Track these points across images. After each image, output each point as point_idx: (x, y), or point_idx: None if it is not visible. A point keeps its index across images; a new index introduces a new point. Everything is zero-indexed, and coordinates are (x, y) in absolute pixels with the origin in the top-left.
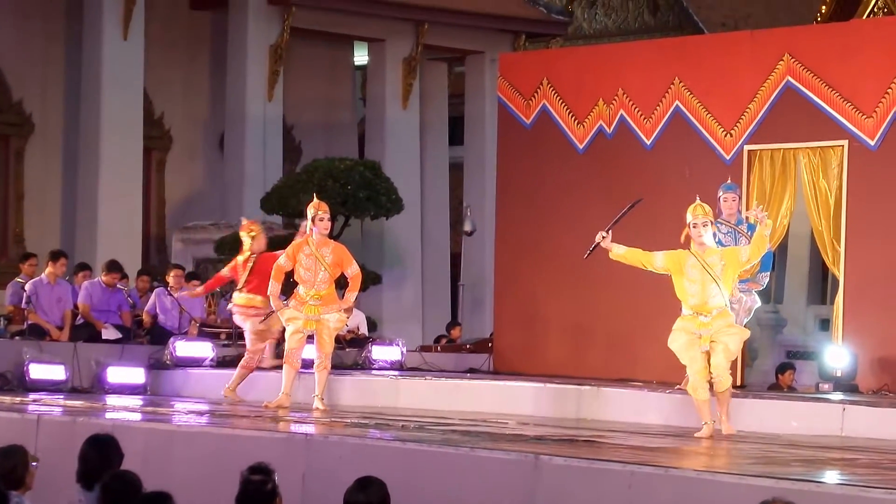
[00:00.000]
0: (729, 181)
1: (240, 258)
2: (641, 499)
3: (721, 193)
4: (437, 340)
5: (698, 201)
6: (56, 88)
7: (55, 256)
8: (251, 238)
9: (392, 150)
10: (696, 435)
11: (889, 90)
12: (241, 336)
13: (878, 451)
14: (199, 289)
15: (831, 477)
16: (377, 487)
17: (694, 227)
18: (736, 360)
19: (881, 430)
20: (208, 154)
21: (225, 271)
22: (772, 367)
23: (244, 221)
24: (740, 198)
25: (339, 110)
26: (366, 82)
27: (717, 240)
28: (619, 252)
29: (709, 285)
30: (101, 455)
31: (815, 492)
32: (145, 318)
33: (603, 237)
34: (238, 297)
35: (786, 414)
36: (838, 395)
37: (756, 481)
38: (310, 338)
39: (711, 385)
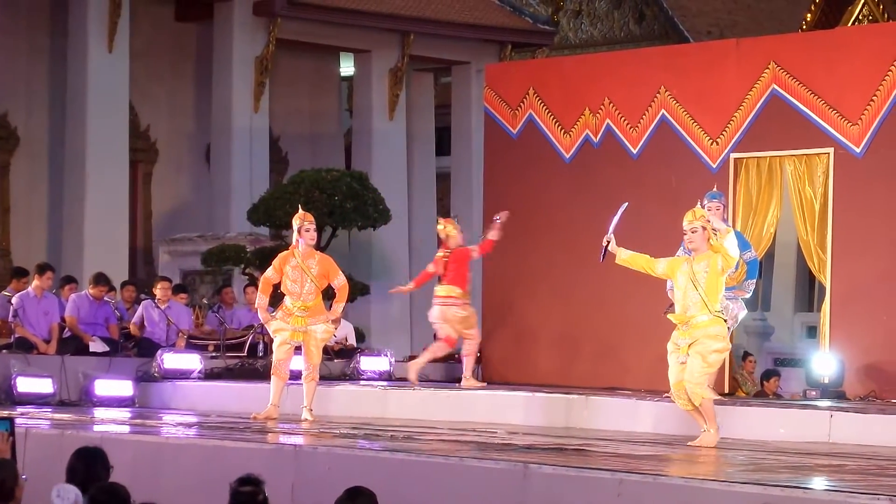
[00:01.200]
0: (714, 190)
1: (439, 253)
2: None
3: (706, 202)
4: None
5: (697, 207)
6: (41, 102)
7: (41, 270)
8: (446, 234)
9: (379, 160)
10: (689, 444)
11: (874, 98)
12: (229, 347)
13: (866, 457)
14: (410, 284)
15: (819, 483)
16: (366, 498)
17: (684, 233)
18: (724, 367)
19: (868, 437)
20: (195, 166)
21: (430, 267)
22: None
23: (440, 219)
24: (725, 206)
25: (325, 121)
26: (352, 93)
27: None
28: (624, 257)
29: (691, 293)
30: (88, 467)
31: (803, 498)
32: (133, 328)
33: (608, 241)
34: (439, 289)
35: (773, 421)
36: (825, 402)
37: (744, 488)
38: (297, 349)
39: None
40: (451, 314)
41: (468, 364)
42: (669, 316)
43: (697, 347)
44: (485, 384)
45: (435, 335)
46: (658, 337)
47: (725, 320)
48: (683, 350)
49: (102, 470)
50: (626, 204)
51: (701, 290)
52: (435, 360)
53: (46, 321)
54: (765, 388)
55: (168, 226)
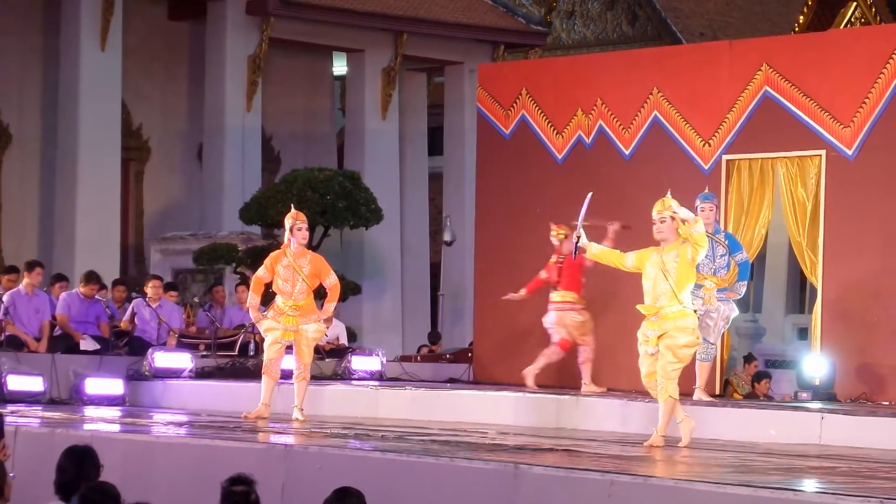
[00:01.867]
0: (706, 191)
1: (552, 259)
2: None
3: (698, 203)
4: (420, 350)
5: (666, 197)
6: (34, 99)
7: (30, 266)
8: (559, 240)
9: (371, 160)
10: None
11: (866, 100)
12: (220, 346)
13: (856, 459)
14: (523, 291)
15: (809, 485)
16: (354, 498)
17: (653, 223)
18: (714, 368)
19: (859, 439)
20: (187, 165)
21: (542, 273)
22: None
23: (553, 225)
24: (718, 208)
25: (318, 121)
26: (345, 93)
27: None
28: (594, 251)
29: (660, 283)
30: (78, 466)
31: (793, 500)
32: (124, 324)
33: (578, 236)
34: (554, 295)
35: (764, 422)
36: (816, 404)
37: (734, 490)
38: (289, 348)
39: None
40: (568, 319)
41: (586, 371)
42: (639, 307)
43: (667, 341)
44: (605, 389)
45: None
46: None
47: (696, 311)
48: (653, 341)
49: (92, 469)
50: (591, 194)
51: (671, 279)
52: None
53: (37, 319)
54: (756, 389)
55: (160, 224)
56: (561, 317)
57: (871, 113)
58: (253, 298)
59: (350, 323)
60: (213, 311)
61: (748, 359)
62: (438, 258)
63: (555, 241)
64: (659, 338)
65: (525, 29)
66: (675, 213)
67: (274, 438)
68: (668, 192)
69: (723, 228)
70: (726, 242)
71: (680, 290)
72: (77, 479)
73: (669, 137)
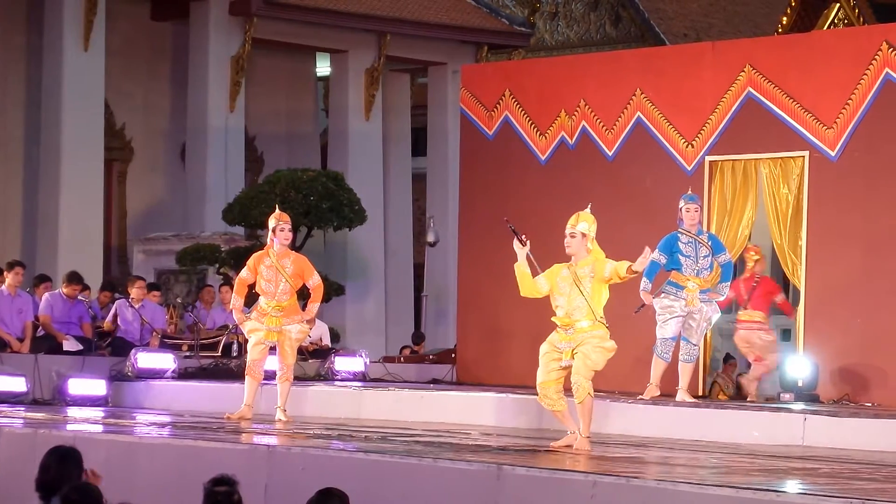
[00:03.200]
0: (690, 192)
1: (745, 275)
2: None
3: (682, 204)
4: (402, 351)
5: (585, 212)
6: (17, 100)
7: (10, 266)
8: (754, 261)
9: (355, 160)
10: (552, 445)
11: (849, 101)
12: (203, 347)
13: (839, 460)
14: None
15: (792, 487)
16: (338, 499)
17: (565, 236)
18: (697, 369)
19: (842, 440)
20: (170, 165)
21: (730, 293)
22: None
23: (749, 245)
24: (702, 208)
25: (301, 121)
26: (328, 93)
27: (677, 250)
28: (521, 261)
29: (576, 298)
30: (60, 466)
31: (776, 502)
32: (107, 325)
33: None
34: (742, 314)
35: (747, 423)
36: (799, 405)
37: (717, 491)
38: (272, 349)
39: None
40: (755, 338)
41: (753, 386)
42: (554, 319)
43: (583, 348)
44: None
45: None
46: (632, 338)
47: (607, 327)
48: (567, 355)
49: (75, 469)
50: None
51: (586, 294)
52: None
53: (20, 320)
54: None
55: (143, 225)
56: (748, 336)
57: (854, 114)
58: (236, 300)
59: (333, 324)
60: (197, 312)
61: (726, 359)
62: (422, 259)
63: (749, 263)
64: (572, 351)
65: (508, 30)
66: (585, 231)
67: (257, 439)
68: (588, 207)
69: (706, 230)
70: (710, 244)
71: (595, 305)
72: (59, 479)
73: (652, 138)
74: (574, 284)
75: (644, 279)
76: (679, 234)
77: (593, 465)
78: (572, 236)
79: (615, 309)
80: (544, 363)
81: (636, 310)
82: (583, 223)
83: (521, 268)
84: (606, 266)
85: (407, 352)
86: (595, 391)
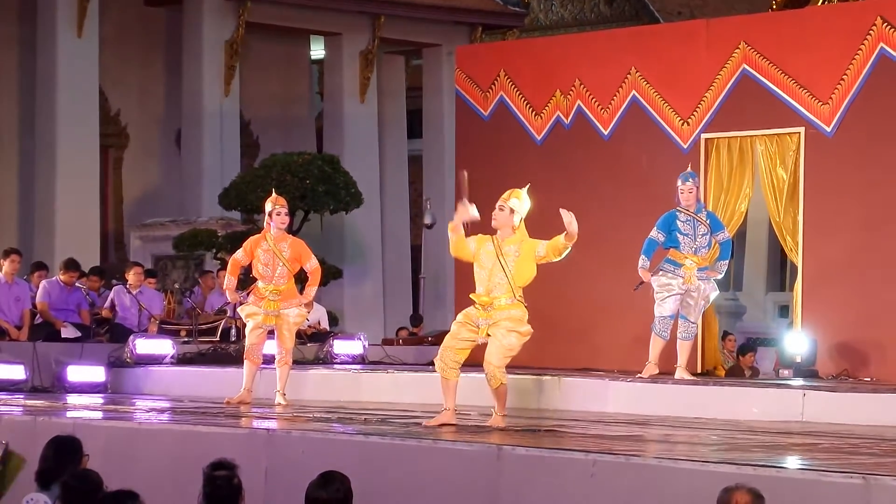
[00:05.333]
0: (688, 170)
1: None
2: (604, 487)
3: (680, 182)
4: (398, 333)
5: (523, 190)
6: (11, 88)
7: (6, 254)
8: None
9: (350, 143)
10: (425, 423)
11: (844, 77)
12: (201, 332)
13: (838, 435)
14: None
15: (792, 462)
16: (339, 482)
17: (494, 210)
18: (696, 345)
19: (841, 415)
20: (165, 151)
21: None
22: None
23: None
24: (699, 187)
25: (296, 105)
26: (323, 76)
27: (675, 228)
28: (453, 239)
29: (497, 273)
30: (58, 455)
31: (776, 477)
32: (104, 312)
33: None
34: None
35: (746, 400)
36: (798, 381)
37: (717, 468)
38: (270, 333)
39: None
40: None
41: None
42: (472, 296)
43: (499, 331)
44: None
45: None
46: (630, 317)
47: (526, 306)
48: (483, 331)
49: (73, 459)
50: (465, 174)
51: (509, 272)
52: None
53: (18, 307)
54: (741, 362)
55: (139, 211)
56: None
57: (850, 90)
58: (230, 280)
59: (331, 307)
60: (195, 297)
61: (724, 335)
62: (419, 241)
63: None
64: (489, 327)
65: (503, 10)
66: (515, 207)
67: (256, 423)
68: (526, 187)
69: (705, 207)
70: (708, 222)
71: (517, 283)
72: (57, 467)
73: (648, 117)
74: (497, 260)
75: (642, 257)
76: (677, 212)
77: (593, 444)
78: (501, 209)
79: (614, 287)
80: (455, 331)
81: (635, 287)
82: (514, 199)
83: (458, 230)
84: (539, 244)
85: (404, 334)
86: (594, 369)
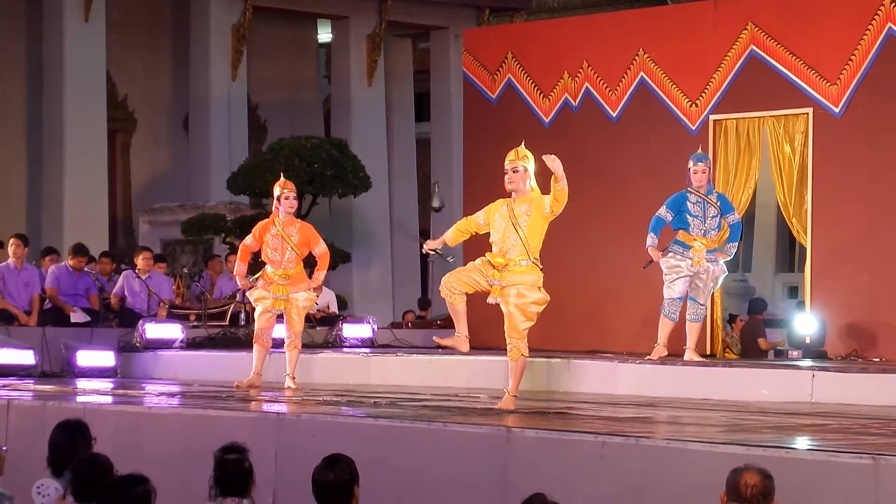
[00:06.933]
0: (699, 151)
1: None
2: (613, 469)
3: (691, 164)
4: (404, 316)
5: (521, 147)
6: (18, 73)
7: (9, 239)
8: None
9: (358, 127)
10: (435, 337)
11: (852, 57)
12: (210, 316)
13: (848, 416)
14: None
15: (802, 443)
16: (345, 464)
17: (505, 172)
18: (706, 328)
19: (850, 396)
20: (173, 135)
21: None
22: None
23: None
24: (710, 168)
25: (303, 89)
26: (330, 60)
27: (685, 209)
28: (450, 237)
29: (510, 234)
30: (69, 441)
31: (786, 458)
32: (113, 300)
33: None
34: None
35: (755, 381)
36: (807, 362)
37: (727, 449)
38: (280, 317)
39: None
40: None
41: None
42: (487, 255)
43: (516, 300)
44: None
45: None
46: (639, 300)
47: (541, 269)
48: (496, 291)
49: (83, 443)
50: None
51: (522, 232)
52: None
53: (27, 293)
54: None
55: (148, 196)
56: None
57: (858, 70)
58: (240, 266)
59: (340, 291)
60: (204, 282)
61: (731, 319)
62: (427, 224)
63: None
64: (502, 290)
65: None
66: (528, 164)
67: (266, 407)
68: (522, 143)
69: (715, 189)
70: (718, 203)
71: (531, 243)
72: (69, 453)
73: (656, 99)
74: (510, 222)
75: (650, 234)
76: (688, 194)
77: (602, 426)
78: (514, 171)
79: (623, 270)
80: (470, 267)
81: (644, 266)
82: (525, 157)
83: (448, 238)
84: (546, 199)
85: (411, 317)
86: (602, 351)
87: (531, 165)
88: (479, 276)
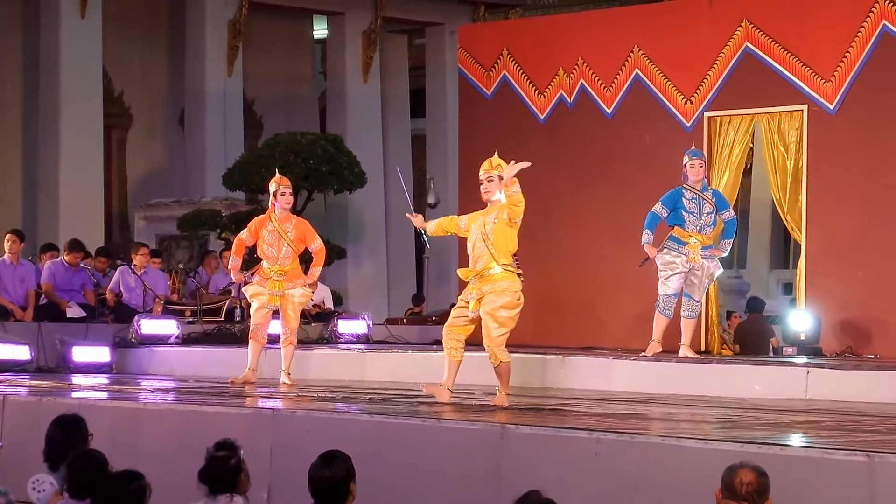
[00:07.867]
0: (694, 147)
1: None
2: (608, 466)
3: (686, 160)
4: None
5: (495, 156)
6: (14, 68)
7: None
8: None
9: (354, 123)
10: (421, 383)
11: (847, 54)
12: (206, 312)
13: (842, 413)
14: None
15: (796, 440)
16: (341, 461)
17: (480, 183)
18: (701, 325)
19: (845, 393)
20: (169, 131)
21: None
22: None
23: None
24: (705, 164)
25: (299, 84)
26: (326, 56)
27: (681, 206)
28: (431, 229)
29: (479, 244)
30: (65, 435)
31: (780, 455)
32: (109, 296)
33: (420, 225)
34: None
35: (750, 378)
36: (802, 359)
37: (721, 446)
38: (275, 313)
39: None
40: None
41: None
42: (459, 271)
43: (486, 307)
44: None
45: None
46: (634, 296)
47: (519, 274)
48: (473, 305)
49: (80, 438)
50: (399, 170)
51: (489, 242)
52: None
53: (23, 288)
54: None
55: (143, 191)
56: None
57: (852, 67)
58: (234, 260)
59: (336, 287)
60: (199, 278)
61: (727, 315)
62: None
63: None
64: (478, 301)
65: None
66: (501, 172)
67: (261, 403)
68: (496, 153)
69: (710, 185)
70: (714, 200)
71: (499, 252)
72: (65, 448)
73: (651, 95)
74: (480, 232)
75: (646, 231)
76: (684, 190)
77: (597, 423)
78: (490, 180)
79: (617, 266)
80: (454, 313)
81: (640, 264)
82: (500, 167)
83: (431, 229)
84: (504, 211)
85: (408, 312)
86: (597, 348)
87: (506, 172)
88: (462, 308)
